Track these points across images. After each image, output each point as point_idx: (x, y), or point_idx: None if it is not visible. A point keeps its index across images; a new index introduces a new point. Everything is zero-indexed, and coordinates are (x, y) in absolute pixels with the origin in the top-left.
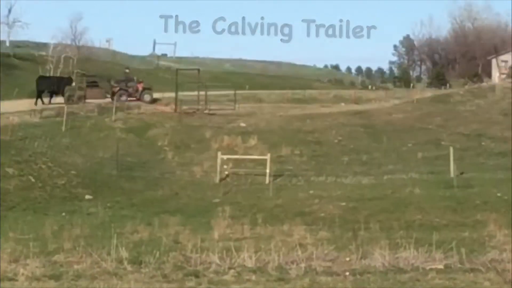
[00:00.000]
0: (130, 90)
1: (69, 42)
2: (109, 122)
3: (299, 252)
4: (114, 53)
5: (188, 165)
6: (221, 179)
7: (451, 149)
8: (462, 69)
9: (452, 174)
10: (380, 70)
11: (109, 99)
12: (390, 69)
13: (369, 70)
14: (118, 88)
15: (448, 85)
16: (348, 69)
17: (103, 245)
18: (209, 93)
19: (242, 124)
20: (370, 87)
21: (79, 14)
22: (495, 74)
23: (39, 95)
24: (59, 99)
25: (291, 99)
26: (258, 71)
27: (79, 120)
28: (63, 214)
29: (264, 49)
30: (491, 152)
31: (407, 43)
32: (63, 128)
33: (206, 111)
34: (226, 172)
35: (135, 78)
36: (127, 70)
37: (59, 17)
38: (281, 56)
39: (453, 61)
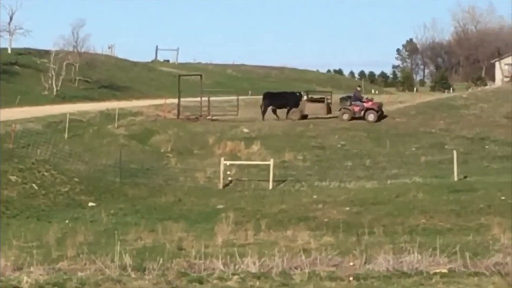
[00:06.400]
0: (355, 109)
1: (71, 49)
2: (112, 129)
3: (303, 257)
4: (116, 59)
5: (191, 171)
6: (225, 185)
7: (455, 153)
8: (465, 72)
9: (455, 178)
10: (383, 75)
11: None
12: (394, 73)
13: (372, 74)
14: (340, 108)
15: (451, 88)
16: (351, 73)
17: (106, 252)
18: (212, 99)
19: (245, 130)
20: (373, 91)
21: (81, 21)
22: (499, 77)
23: (266, 110)
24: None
25: None
26: (261, 77)
27: (82, 127)
28: (67, 221)
29: (267, 54)
30: (494, 155)
31: (410, 47)
32: (66, 135)
33: (209, 117)
34: (230, 178)
35: (365, 97)
36: (358, 88)
37: (61, 24)
38: (284, 61)
39: (457, 64)
